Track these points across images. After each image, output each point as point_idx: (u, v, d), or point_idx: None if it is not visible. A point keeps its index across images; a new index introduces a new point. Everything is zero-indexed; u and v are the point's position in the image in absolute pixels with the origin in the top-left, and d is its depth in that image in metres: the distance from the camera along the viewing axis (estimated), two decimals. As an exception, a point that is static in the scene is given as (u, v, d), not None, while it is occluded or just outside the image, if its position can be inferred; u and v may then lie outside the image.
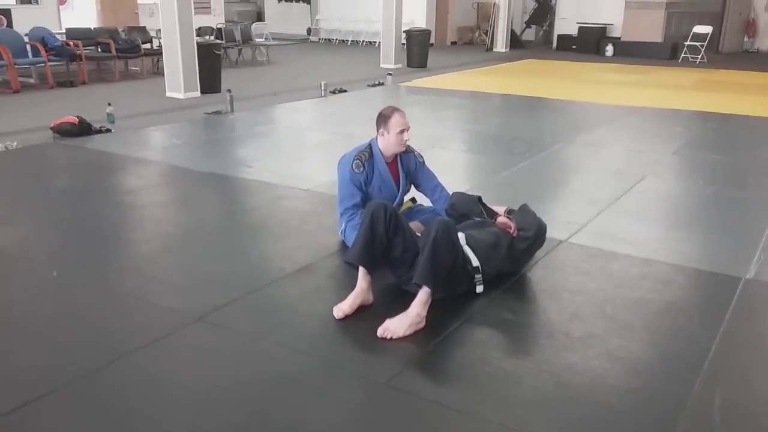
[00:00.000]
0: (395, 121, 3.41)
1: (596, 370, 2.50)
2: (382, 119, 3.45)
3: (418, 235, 3.06)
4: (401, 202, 3.66)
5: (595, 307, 3.00)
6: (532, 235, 3.31)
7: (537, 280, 3.32)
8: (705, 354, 2.61)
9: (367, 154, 3.51)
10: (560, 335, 2.75)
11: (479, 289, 3.04)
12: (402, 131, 3.42)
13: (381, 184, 3.53)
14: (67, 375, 2.40)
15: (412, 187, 3.75)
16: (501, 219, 3.35)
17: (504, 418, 2.22)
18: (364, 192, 3.49)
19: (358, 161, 3.47)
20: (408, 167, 3.63)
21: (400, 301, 2.85)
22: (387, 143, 3.47)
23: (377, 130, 3.49)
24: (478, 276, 3.03)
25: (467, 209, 3.49)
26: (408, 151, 3.62)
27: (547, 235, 3.48)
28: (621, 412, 2.26)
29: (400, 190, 3.61)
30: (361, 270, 2.92)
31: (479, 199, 3.54)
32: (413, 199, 3.82)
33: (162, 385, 2.39)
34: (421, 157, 3.70)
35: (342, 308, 2.83)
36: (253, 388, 2.37)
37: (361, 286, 2.90)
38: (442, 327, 2.78)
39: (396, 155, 3.57)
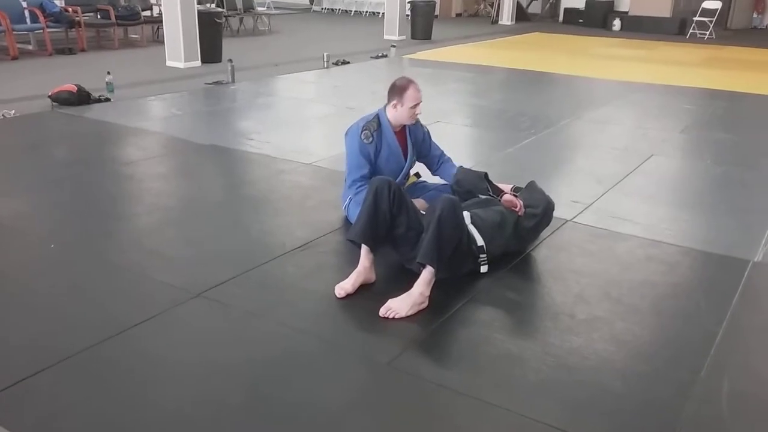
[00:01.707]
0: (410, 95, 3.34)
1: (601, 354, 2.46)
2: (397, 90, 3.36)
3: (422, 212, 3.00)
4: (407, 173, 3.61)
5: (600, 289, 2.96)
6: (540, 212, 3.27)
7: (542, 260, 3.27)
8: (712, 338, 2.58)
9: (375, 124, 3.44)
10: (565, 317, 2.71)
11: (483, 269, 2.99)
12: (415, 105, 3.37)
13: (389, 154, 3.48)
14: (65, 350, 2.36)
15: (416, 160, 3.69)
16: (507, 197, 3.29)
17: (507, 400, 2.19)
18: (373, 163, 3.44)
19: (366, 131, 3.41)
20: (416, 137, 3.59)
21: (403, 281, 2.81)
22: (399, 115, 3.41)
23: (389, 101, 3.42)
24: (483, 256, 2.98)
25: (473, 186, 3.43)
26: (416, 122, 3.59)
27: (553, 214, 3.43)
28: (626, 397, 2.23)
29: (408, 161, 3.56)
30: (364, 248, 2.87)
31: (485, 175, 3.48)
32: (417, 174, 3.76)
33: (161, 361, 2.35)
34: (426, 127, 3.66)
35: (344, 287, 2.79)
36: (252, 366, 2.33)
37: (364, 265, 2.85)
38: (445, 307, 2.74)
39: (404, 126, 3.53)
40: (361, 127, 3.44)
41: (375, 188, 2.85)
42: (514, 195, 3.33)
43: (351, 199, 3.47)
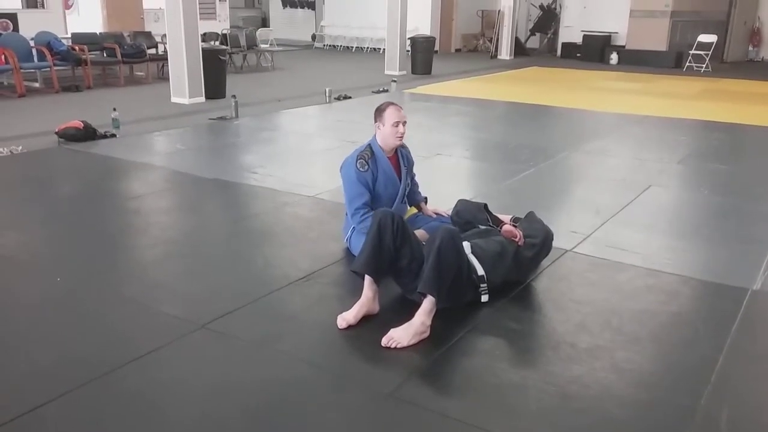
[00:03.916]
0: (390, 113, 3.46)
1: (602, 382, 2.48)
2: (378, 112, 3.52)
3: (423, 243, 3.04)
4: (404, 196, 3.68)
5: (601, 318, 2.98)
6: (539, 242, 3.32)
7: (542, 289, 3.30)
8: (712, 366, 2.59)
9: (369, 153, 3.53)
10: (566, 346, 2.73)
11: (484, 298, 3.02)
12: (397, 123, 3.46)
13: (386, 180, 3.55)
14: (74, 380, 2.39)
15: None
16: (506, 227, 3.34)
17: (509, 429, 2.20)
18: (371, 190, 3.51)
19: (362, 160, 3.49)
20: (409, 161, 3.70)
21: (404, 311, 2.83)
22: (383, 136, 3.51)
23: (375, 125, 3.55)
24: (483, 285, 3.01)
25: (472, 216, 3.49)
26: (404, 147, 3.68)
27: (553, 244, 3.47)
28: (627, 425, 2.24)
29: (402, 183, 3.63)
30: (368, 279, 2.90)
31: (485, 206, 3.54)
32: (419, 205, 3.82)
33: (163, 393, 2.38)
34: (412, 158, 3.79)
35: (346, 318, 2.82)
36: (256, 397, 2.35)
37: (367, 296, 2.89)
38: (446, 336, 2.76)
39: (396, 150, 3.61)
40: (355, 157, 3.52)
41: (378, 221, 2.90)
42: (513, 225, 3.38)
43: (354, 230, 3.52)
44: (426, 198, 3.84)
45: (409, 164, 3.70)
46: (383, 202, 3.50)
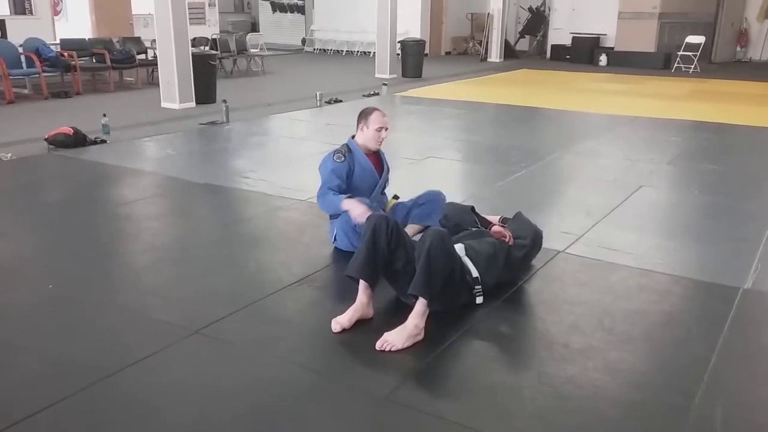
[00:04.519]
0: (375, 118, 3.62)
1: (595, 383, 2.49)
2: (364, 115, 3.67)
3: (414, 236, 3.06)
4: (383, 186, 3.80)
5: (593, 319, 3.00)
6: (528, 242, 3.35)
7: (535, 291, 3.31)
8: (705, 365, 2.61)
9: (346, 148, 3.68)
10: (559, 347, 2.74)
11: (479, 300, 3.03)
12: (380, 128, 3.61)
13: (362, 172, 3.69)
14: (68, 387, 2.38)
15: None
16: (495, 228, 3.36)
17: (504, 430, 2.21)
18: (345, 180, 3.61)
19: (338, 154, 3.64)
20: (387, 162, 3.86)
21: (398, 315, 2.83)
22: (365, 138, 3.65)
23: (357, 126, 3.69)
24: (478, 287, 3.02)
25: (460, 219, 3.50)
26: (380, 150, 3.82)
27: (545, 245, 3.49)
28: (621, 425, 2.25)
29: (382, 177, 3.77)
30: (362, 284, 2.90)
31: (472, 209, 3.55)
32: (396, 196, 3.88)
33: (158, 398, 2.36)
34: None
35: (340, 321, 2.82)
36: (250, 401, 2.35)
37: (362, 301, 2.88)
38: (441, 339, 2.76)
39: (376, 151, 3.76)
40: (333, 152, 3.66)
41: (373, 225, 2.90)
42: (502, 226, 3.40)
43: (339, 226, 3.59)
44: (396, 195, 3.91)
45: (388, 164, 3.86)
46: (361, 194, 3.62)
